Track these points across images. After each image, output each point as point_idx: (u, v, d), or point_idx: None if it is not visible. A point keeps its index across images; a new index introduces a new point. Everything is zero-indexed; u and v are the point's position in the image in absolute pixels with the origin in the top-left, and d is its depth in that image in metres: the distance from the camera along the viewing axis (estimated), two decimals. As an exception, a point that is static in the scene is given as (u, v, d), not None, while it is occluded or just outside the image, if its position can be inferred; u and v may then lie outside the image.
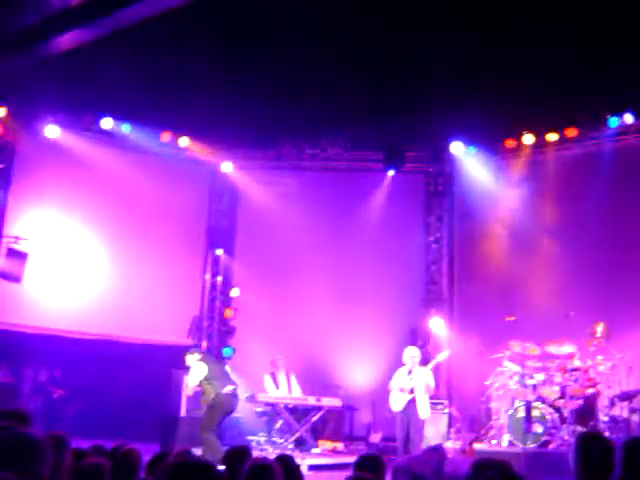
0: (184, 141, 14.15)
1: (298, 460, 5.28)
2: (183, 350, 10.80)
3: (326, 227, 14.14)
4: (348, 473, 4.50)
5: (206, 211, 15.12)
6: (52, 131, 12.97)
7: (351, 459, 6.76)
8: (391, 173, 14.17)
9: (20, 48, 11.20)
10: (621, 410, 10.56)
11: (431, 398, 10.52)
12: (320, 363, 13.59)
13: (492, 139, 13.61)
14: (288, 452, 9.88)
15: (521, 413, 10.62)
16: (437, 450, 4.93)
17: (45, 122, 12.91)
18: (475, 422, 12.24)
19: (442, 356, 10.84)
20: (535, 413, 10.55)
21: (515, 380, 11.26)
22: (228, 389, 10.16)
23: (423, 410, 10.01)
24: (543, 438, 10.44)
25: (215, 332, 14.75)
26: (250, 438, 11.92)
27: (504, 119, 12.70)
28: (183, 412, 12.17)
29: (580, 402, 10.68)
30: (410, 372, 10.16)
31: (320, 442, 12.13)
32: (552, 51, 10.45)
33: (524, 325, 11.72)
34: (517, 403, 10.91)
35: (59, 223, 13.33)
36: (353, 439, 13.32)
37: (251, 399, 11.78)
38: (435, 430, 11.66)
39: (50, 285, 13.10)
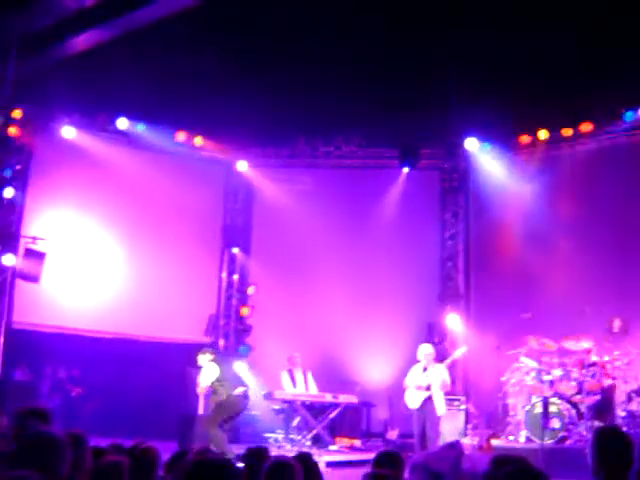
0: (199, 140, 14.24)
1: (316, 457, 5.27)
2: (200, 348, 10.86)
3: (341, 224, 14.14)
4: (366, 470, 4.46)
5: (221, 210, 15.15)
6: (68, 132, 13.07)
7: (369, 456, 6.77)
8: (406, 170, 14.10)
9: (36, 50, 11.31)
10: (638, 405, 10.49)
11: (448, 394, 10.52)
12: (337, 360, 13.58)
13: (506, 135, 13.56)
14: (305, 449, 9.95)
15: (538, 409, 10.58)
16: (454, 446, 4.91)
17: (61, 123, 13.02)
18: (492, 418, 12.19)
19: (459, 352, 10.84)
20: (552, 409, 10.51)
21: (532, 376, 11.22)
22: (239, 390, 10.27)
23: (439, 406, 9.99)
24: (560, 434, 10.41)
25: (232, 330, 14.77)
26: (267, 435, 11.97)
27: (519, 115, 12.66)
28: (200, 410, 12.21)
29: (597, 397, 10.64)
30: (425, 369, 10.15)
31: (337, 439, 12.12)
32: (567, 46, 10.42)
33: (541, 321, 11.68)
34: (534, 399, 10.87)
35: (76, 223, 13.41)
36: (370, 436, 13.29)
37: (268, 396, 11.81)
38: (452, 426, 11.59)
39: (68, 285, 13.20)
